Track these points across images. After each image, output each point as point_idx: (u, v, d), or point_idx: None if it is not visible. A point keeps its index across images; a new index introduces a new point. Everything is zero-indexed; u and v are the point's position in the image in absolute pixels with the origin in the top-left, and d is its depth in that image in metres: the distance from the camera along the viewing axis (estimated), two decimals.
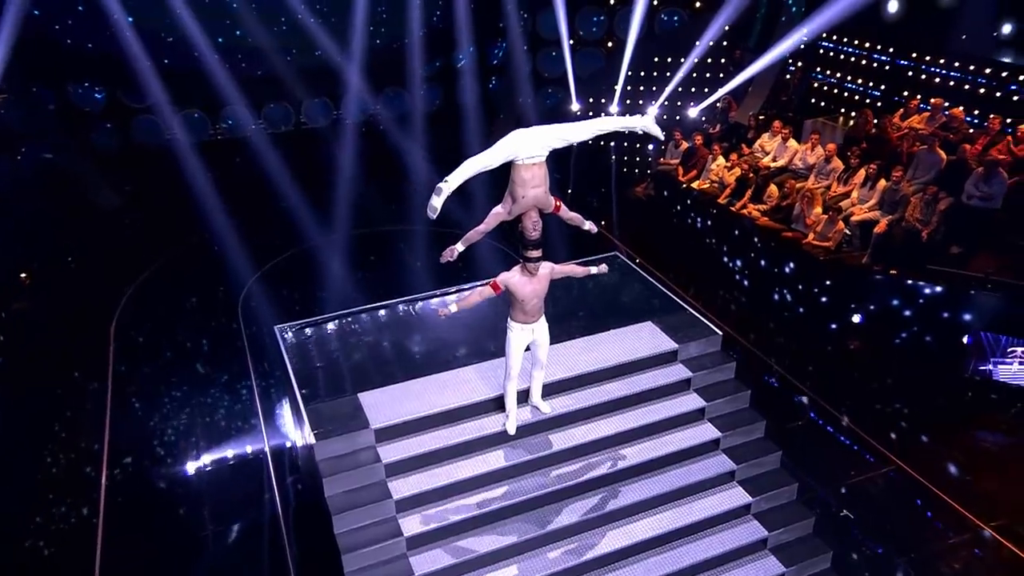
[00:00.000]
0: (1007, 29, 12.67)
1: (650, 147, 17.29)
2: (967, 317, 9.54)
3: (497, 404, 6.66)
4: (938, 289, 9.98)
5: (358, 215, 13.98)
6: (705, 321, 7.54)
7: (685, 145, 13.68)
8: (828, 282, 10.62)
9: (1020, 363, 9.04)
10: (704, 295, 11.41)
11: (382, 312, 8.09)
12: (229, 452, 8.63)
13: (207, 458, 8.54)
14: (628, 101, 17.08)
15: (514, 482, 6.44)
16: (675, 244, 13.28)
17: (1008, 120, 11.65)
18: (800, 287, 11.06)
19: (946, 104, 12.30)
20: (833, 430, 8.78)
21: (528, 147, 5.74)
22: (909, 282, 10.01)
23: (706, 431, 6.91)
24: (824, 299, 10.68)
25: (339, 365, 7.22)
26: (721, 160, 12.96)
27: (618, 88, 16.73)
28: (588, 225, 6.31)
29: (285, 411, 9.04)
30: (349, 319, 7.97)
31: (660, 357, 7.15)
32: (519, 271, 5.99)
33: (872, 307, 10.25)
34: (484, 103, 17.19)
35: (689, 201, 13.21)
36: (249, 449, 8.66)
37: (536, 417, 6.64)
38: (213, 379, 9.96)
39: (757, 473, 6.86)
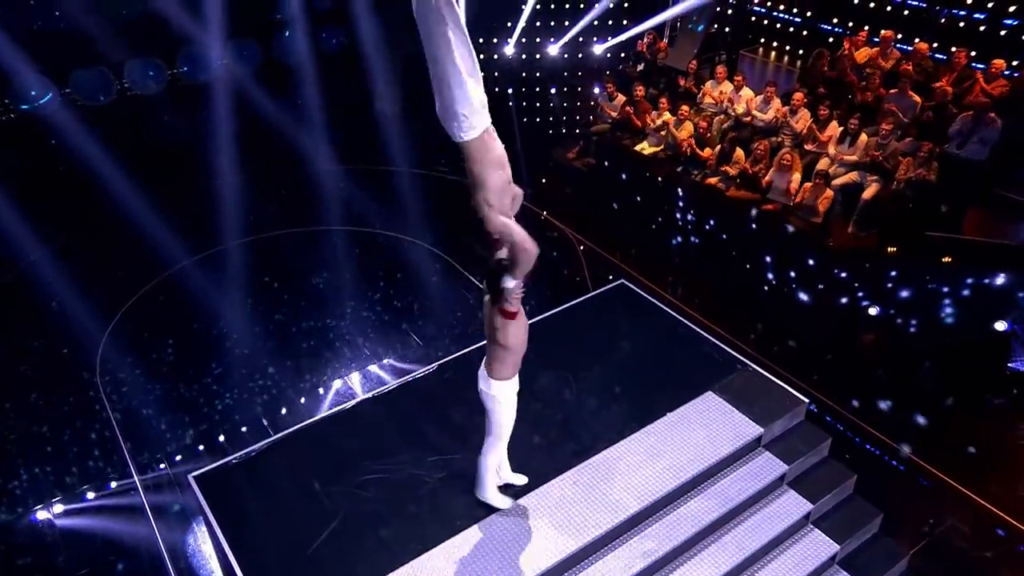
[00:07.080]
0: None
1: (552, 91, 15.14)
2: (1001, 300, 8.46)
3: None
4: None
5: (240, 216, 10.54)
6: (780, 383, 5.79)
7: (621, 99, 11.56)
8: (843, 272, 9.10)
9: None
10: (718, 311, 9.02)
11: (342, 419, 5.65)
12: None
13: None
14: (524, 40, 14.74)
15: None
16: (645, 234, 10.81)
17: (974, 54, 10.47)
18: (816, 279, 9.37)
19: (898, 36, 11.02)
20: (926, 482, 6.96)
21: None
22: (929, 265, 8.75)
23: (819, 544, 5.27)
24: (845, 293, 9.12)
25: (301, 537, 4.77)
26: (668, 115, 11.03)
27: (520, 24, 14.32)
28: None
29: None
30: (299, 442, 5.47)
31: (743, 448, 5.37)
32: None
33: (895, 298, 8.94)
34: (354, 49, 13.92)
35: (640, 170, 11.12)
36: None
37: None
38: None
39: None
